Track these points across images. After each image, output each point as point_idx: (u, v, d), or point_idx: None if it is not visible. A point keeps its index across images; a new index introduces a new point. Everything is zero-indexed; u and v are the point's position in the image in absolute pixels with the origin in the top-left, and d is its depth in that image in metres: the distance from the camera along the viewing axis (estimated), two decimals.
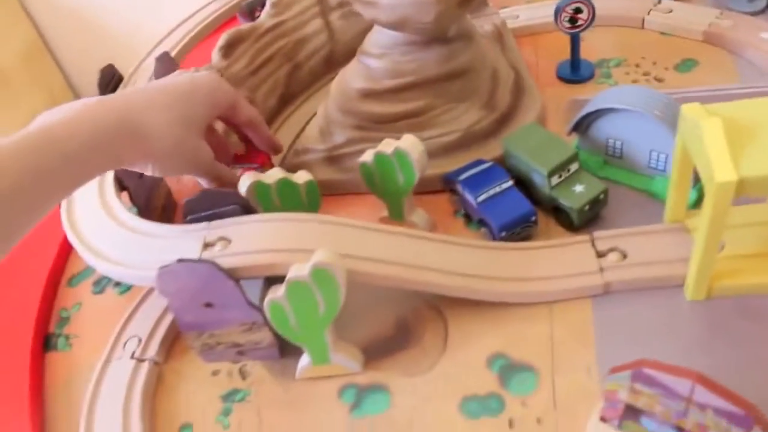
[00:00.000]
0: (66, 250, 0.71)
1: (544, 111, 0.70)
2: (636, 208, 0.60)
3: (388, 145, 0.57)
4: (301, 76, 0.79)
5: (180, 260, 0.50)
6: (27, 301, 0.66)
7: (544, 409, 0.49)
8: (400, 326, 0.57)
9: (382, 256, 0.53)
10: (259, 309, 0.52)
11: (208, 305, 0.53)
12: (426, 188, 0.64)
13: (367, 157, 0.58)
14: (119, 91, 0.74)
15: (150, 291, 0.62)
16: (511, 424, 0.49)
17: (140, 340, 0.59)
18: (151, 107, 0.55)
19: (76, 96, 1.90)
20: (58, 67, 1.82)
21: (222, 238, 0.54)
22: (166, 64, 0.74)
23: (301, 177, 0.59)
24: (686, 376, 0.39)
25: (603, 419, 0.47)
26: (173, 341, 0.60)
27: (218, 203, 0.55)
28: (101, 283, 0.67)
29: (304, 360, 0.54)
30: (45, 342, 0.64)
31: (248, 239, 0.53)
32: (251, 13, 0.88)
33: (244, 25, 0.74)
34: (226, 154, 0.65)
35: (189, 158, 0.58)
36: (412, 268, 0.53)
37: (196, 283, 0.51)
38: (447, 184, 0.62)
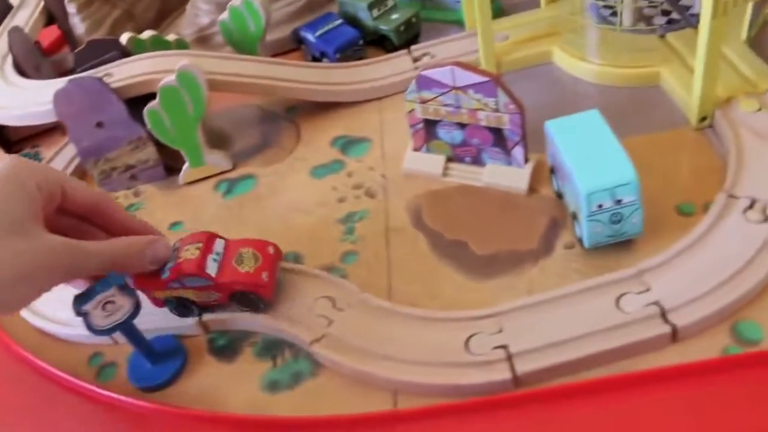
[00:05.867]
0: None
1: None
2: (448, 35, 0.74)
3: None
4: None
5: (71, 79, 0.62)
6: None
7: (375, 161, 0.62)
8: (263, 135, 0.69)
9: (240, 72, 0.66)
10: (141, 122, 0.63)
11: (99, 125, 0.64)
12: (283, 48, 0.78)
13: (224, 15, 0.72)
14: None
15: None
16: (349, 174, 0.62)
17: None
18: None
19: None
20: None
21: (107, 74, 0.65)
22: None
23: (171, 36, 0.72)
24: (447, 65, 0.53)
25: (415, 149, 0.60)
26: None
27: (102, 52, 0.67)
28: None
29: (185, 167, 0.66)
30: None
31: (126, 69, 0.65)
32: None
33: None
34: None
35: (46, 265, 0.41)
36: (265, 79, 0.66)
37: (88, 100, 0.63)
38: (295, 35, 0.76)
